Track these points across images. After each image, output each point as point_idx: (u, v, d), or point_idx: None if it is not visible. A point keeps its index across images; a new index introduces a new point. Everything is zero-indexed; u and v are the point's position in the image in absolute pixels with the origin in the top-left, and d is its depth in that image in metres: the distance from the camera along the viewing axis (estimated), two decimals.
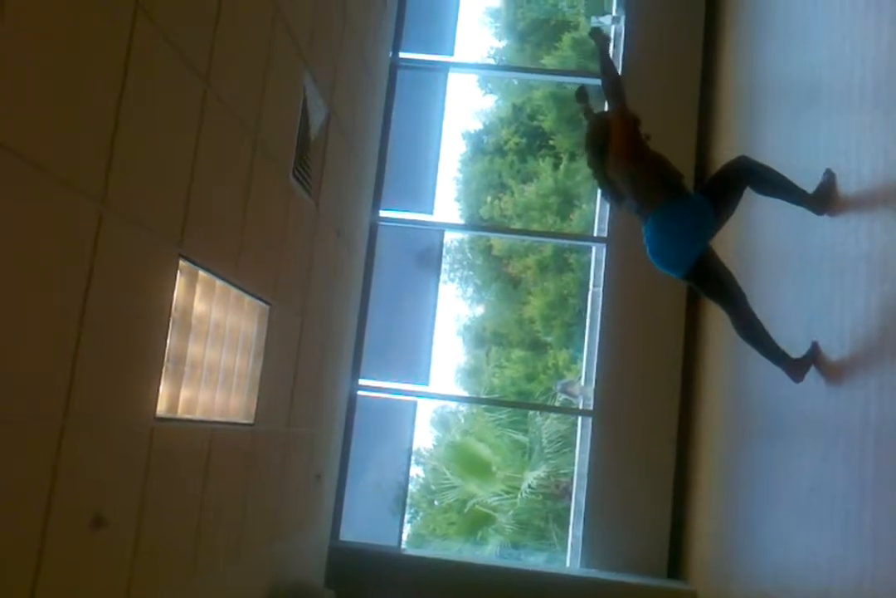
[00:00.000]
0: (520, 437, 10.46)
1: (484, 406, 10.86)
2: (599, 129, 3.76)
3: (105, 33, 2.55)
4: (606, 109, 3.84)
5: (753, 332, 3.56)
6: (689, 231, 3.51)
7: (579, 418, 7.16)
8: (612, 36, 7.30)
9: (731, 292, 3.54)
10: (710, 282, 3.59)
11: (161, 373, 3.09)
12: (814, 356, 3.51)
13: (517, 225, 12.17)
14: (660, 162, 3.66)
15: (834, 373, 3.37)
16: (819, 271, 3.70)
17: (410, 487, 8.20)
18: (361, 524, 6.80)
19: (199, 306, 3.49)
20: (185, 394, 3.42)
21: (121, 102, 2.62)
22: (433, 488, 10.75)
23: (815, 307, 3.69)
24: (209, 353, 3.64)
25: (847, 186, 3.37)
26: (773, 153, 4.59)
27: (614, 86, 3.69)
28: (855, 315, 3.17)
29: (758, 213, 4.68)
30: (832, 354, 3.40)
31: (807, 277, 3.92)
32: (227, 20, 3.41)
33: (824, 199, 3.52)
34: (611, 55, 3.81)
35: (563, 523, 8.12)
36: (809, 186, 3.58)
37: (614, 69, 3.86)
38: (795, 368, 3.55)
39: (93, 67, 2.49)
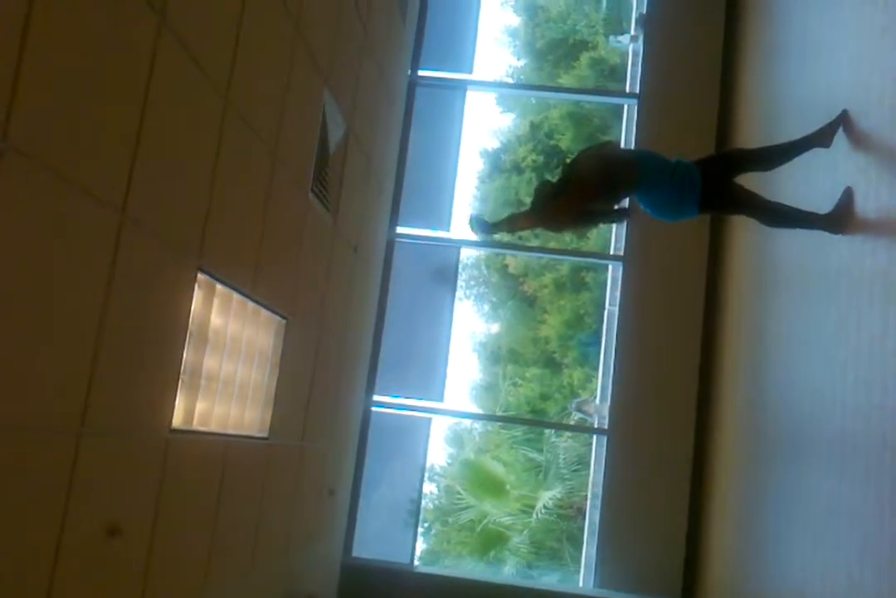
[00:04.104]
0: (535, 455, 10.41)
1: (499, 424, 10.83)
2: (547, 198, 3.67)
3: (129, 48, 2.60)
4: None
5: (782, 216, 3.65)
6: (676, 198, 3.55)
7: (594, 437, 7.13)
8: (630, 53, 7.32)
9: (746, 205, 3.63)
10: (725, 208, 3.89)
11: (177, 385, 3.11)
12: (847, 202, 3.46)
13: (534, 243, 12.15)
14: (585, 204, 3.61)
15: (851, 392, 3.35)
16: (836, 291, 3.69)
17: (424, 504, 8.16)
18: (374, 541, 6.77)
19: (216, 320, 3.52)
20: (200, 406, 3.43)
21: (143, 116, 2.66)
22: (447, 507, 10.69)
23: (832, 327, 3.67)
24: (225, 366, 3.67)
25: (865, 205, 3.36)
26: (790, 172, 4.58)
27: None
28: (872, 334, 3.15)
29: (775, 233, 4.67)
30: (848, 374, 3.38)
31: (824, 296, 3.90)
32: (248, 37, 3.46)
33: (841, 217, 3.50)
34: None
35: (577, 542, 8.06)
36: (826, 206, 3.58)
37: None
38: (832, 222, 3.53)
39: (116, 81, 2.53)
